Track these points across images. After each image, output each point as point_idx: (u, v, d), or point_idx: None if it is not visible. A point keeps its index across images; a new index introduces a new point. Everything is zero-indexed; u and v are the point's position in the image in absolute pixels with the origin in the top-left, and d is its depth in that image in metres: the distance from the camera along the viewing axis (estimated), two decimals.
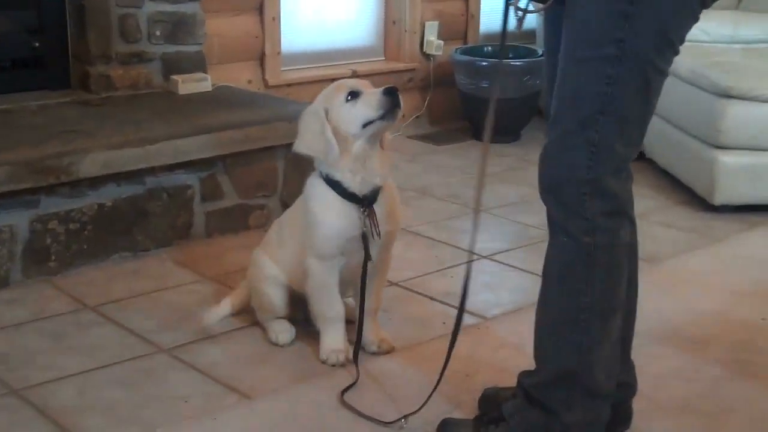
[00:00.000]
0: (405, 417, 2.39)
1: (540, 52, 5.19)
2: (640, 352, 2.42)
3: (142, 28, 4.03)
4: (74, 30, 3.99)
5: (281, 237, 2.84)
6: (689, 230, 3.92)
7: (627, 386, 2.35)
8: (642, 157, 4.54)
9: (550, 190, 2.12)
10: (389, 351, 2.79)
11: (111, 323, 2.97)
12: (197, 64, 4.19)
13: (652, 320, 2.90)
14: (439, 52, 5.35)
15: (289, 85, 4.79)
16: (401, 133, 5.12)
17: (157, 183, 3.46)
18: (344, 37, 5.20)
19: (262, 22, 4.65)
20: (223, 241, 3.64)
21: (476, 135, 5.17)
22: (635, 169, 2.24)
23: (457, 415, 2.42)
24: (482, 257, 3.55)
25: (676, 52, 2.07)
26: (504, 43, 2.29)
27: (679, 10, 2.02)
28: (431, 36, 5.34)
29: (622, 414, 2.35)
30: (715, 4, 2.14)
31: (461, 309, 2.34)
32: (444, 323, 2.98)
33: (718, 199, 4.06)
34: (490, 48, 5.34)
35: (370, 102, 2.57)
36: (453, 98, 5.35)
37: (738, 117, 3.98)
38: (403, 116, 4.38)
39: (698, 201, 4.18)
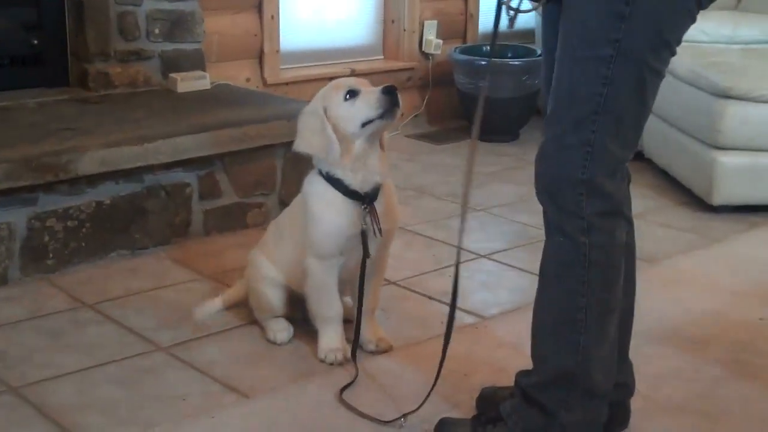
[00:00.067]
0: (404, 416, 2.39)
1: (538, 51, 5.19)
2: (638, 352, 2.42)
3: (141, 26, 4.03)
4: (73, 27, 3.99)
5: (279, 237, 2.84)
6: (688, 230, 3.92)
7: (625, 386, 2.35)
8: (641, 157, 4.54)
9: (546, 190, 2.12)
10: (387, 350, 2.79)
11: (109, 321, 2.96)
12: (196, 62, 4.19)
13: (651, 320, 2.90)
14: (438, 51, 5.35)
15: (287, 84, 4.78)
16: (399, 132, 5.12)
17: (155, 181, 3.46)
18: (343, 35, 5.20)
19: (260, 20, 4.65)
20: (221, 239, 3.64)
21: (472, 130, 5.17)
22: (634, 169, 2.24)
23: (454, 414, 2.42)
24: (480, 256, 3.55)
25: (673, 53, 2.07)
26: (495, 41, 2.29)
27: (675, 10, 2.02)
28: (430, 35, 5.34)
29: (620, 414, 2.35)
30: (713, 5, 2.14)
31: (453, 307, 2.34)
32: (442, 322, 2.94)
33: (717, 200, 4.06)
34: (488, 47, 5.34)
35: (369, 101, 2.57)
36: (452, 97, 5.35)
37: (737, 117, 3.97)
38: (402, 115, 4.39)
39: (697, 201, 4.18)
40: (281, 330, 2.84)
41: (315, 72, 4.92)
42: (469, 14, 5.56)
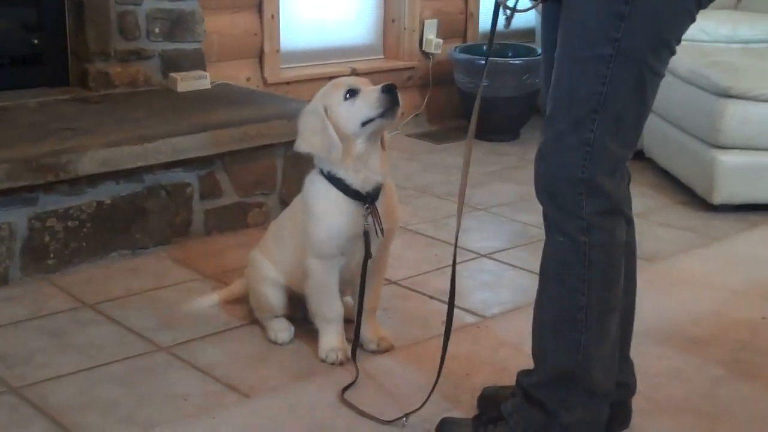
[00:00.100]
0: (406, 415, 2.39)
1: (539, 50, 5.17)
2: (639, 352, 2.42)
3: (141, 26, 4.03)
4: (73, 27, 3.99)
5: (279, 237, 2.84)
6: (689, 230, 3.92)
7: (626, 386, 2.35)
8: (641, 156, 4.54)
9: (545, 189, 2.12)
10: (388, 349, 2.78)
11: (110, 321, 2.96)
12: (196, 61, 4.19)
13: (652, 320, 2.90)
14: (438, 51, 5.35)
15: (288, 83, 4.79)
16: (400, 131, 5.12)
17: (155, 181, 3.46)
18: (343, 35, 5.20)
19: (261, 19, 4.65)
20: (221, 239, 3.64)
21: (476, 134, 5.16)
22: (635, 168, 2.24)
23: (456, 414, 2.42)
24: (481, 256, 3.55)
25: (673, 53, 2.06)
26: (491, 41, 2.30)
27: (675, 10, 2.01)
28: (430, 34, 5.34)
29: (621, 414, 2.35)
30: (713, 4, 2.13)
31: (450, 306, 2.34)
32: (443, 322, 2.94)
33: (718, 199, 4.06)
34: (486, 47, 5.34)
35: (369, 100, 2.56)
36: (452, 97, 5.36)
37: (737, 117, 3.98)
38: (402, 114, 4.39)
39: (698, 200, 4.18)
40: (282, 330, 2.84)
41: (315, 71, 4.92)
42: (470, 13, 5.56)
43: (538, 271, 2.20)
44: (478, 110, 2.30)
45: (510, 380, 2.34)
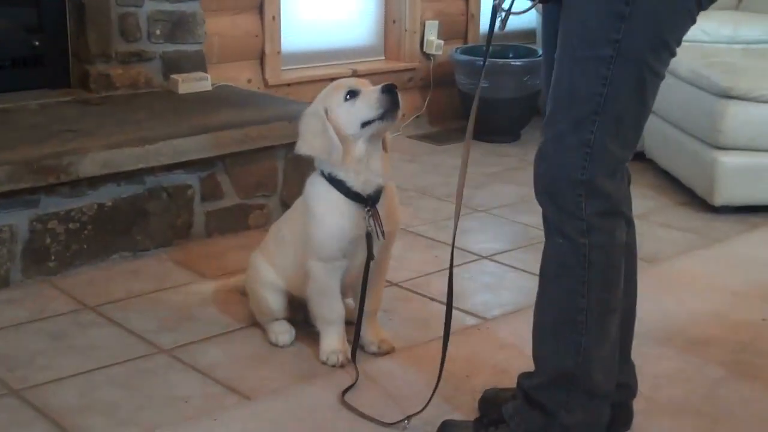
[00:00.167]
0: (408, 418, 2.39)
1: (540, 51, 5.17)
2: (640, 353, 2.42)
3: (142, 27, 4.03)
4: (74, 29, 3.99)
5: (280, 241, 2.83)
6: (689, 231, 3.92)
7: (627, 387, 2.35)
8: (642, 157, 4.54)
9: (545, 190, 2.11)
10: (389, 351, 2.78)
11: (111, 323, 2.96)
12: (197, 63, 4.19)
13: (652, 321, 2.90)
14: (439, 52, 5.35)
15: (288, 85, 4.79)
16: (401, 132, 5.12)
17: (156, 183, 3.46)
18: (344, 36, 5.19)
19: (262, 21, 4.65)
20: (223, 240, 3.64)
21: (476, 135, 5.16)
22: (635, 169, 2.24)
23: (457, 416, 2.42)
24: (482, 257, 3.55)
25: (673, 54, 2.06)
26: (489, 43, 2.31)
27: (675, 11, 2.02)
28: (431, 35, 5.34)
29: (622, 415, 2.35)
30: (715, 5, 2.13)
31: (449, 307, 2.34)
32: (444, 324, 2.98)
33: (718, 200, 4.06)
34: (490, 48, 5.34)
35: (369, 100, 2.56)
36: (453, 98, 5.35)
37: (738, 117, 3.97)
38: (403, 116, 4.39)
39: (698, 201, 4.18)
40: (283, 332, 2.84)
41: (316, 73, 4.92)
42: (470, 14, 5.56)
43: (538, 272, 2.20)
44: (476, 111, 2.31)
45: (511, 382, 2.34)
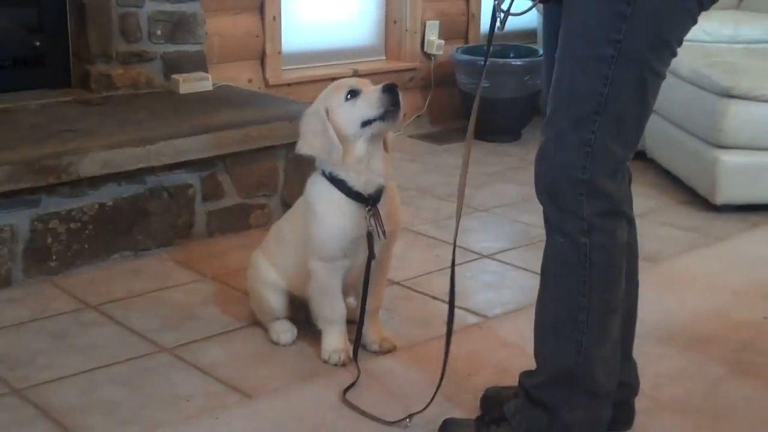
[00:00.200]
0: (410, 416, 2.39)
1: (540, 51, 5.18)
2: (641, 352, 2.42)
3: (143, 28, 4.04)
4: (75, 29, 3.99)
5: (281, 240, 2.83)
6: (691, 230, 3.92)
7: (629, 386, 2.35)
8: (643, 156, 4.54)
9: (545, 190, 2.11)
10: (391, 350, 2.78)
11: (112, 323, 2.96)
12: (198, 63, 4.20)
13: (654, 320, 2.90)
14: (440, 52, 5.35)
15: (289, 85, 4.79)
16: (402, 132, 5.12)
17: (157, 182, 3.46)
18: (345, 36, 5.20)
19: (262, 21, 4.65)
20: (224, 240, 3.64)
21: (477, 134, 5.16)
22: (636, 168, 2.24)
23: (458, 414, 2.42)
24: (483, 256, 3.55)
25: (674, 54, 2.06)
26: (489, 44, 2.30)
27: (676, 11, 2.01)
28: (432, 35, 5.34)
29: (624, 414, 2.35)
30: (715, 4, 2.13)
31: (451, 306, 2.34)
32: (445, 322, 2.97)
33: (720, 199, 4.06)
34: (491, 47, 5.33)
35: (370, 100, 2.56)
36: (454, 98, 5.35)
37: (739, 117, 3.97)
38: (404, 116, 4.39)
39: (699, 200, 4.17)
40: (285, 331, 2.83)
41: (317, 73, 4.92)
42: (471, 14, 5.56)
43: (539, 271, 2.20)
44: (477, 111, 2.30)
45: (512, 381, 2.34)
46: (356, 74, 4.87)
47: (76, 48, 4.01)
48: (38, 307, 3.05)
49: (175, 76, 4.09)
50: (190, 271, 3.36)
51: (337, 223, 2.61)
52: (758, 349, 2.88)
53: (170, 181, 3.50)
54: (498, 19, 2.18)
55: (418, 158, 4.84)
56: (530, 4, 2.14)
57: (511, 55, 5.22)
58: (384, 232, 2.62)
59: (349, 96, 2.59)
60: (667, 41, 2.03)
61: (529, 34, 5.56)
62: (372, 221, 2.60)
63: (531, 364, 2.24)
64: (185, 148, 3.46)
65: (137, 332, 2.90)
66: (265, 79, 4.70)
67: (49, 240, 3.23)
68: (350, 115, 2.58)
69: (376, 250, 2.64)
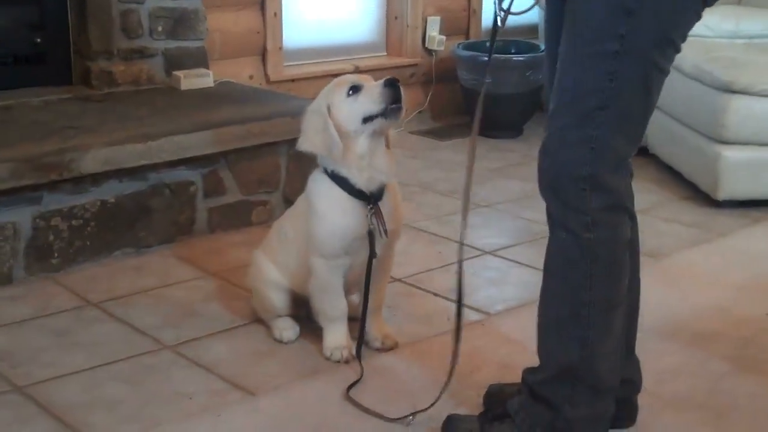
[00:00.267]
0: (413, 414, 2.39)
1: (542, 47, 5.17)
2: (644, 348, 2.41)
3: (144, 24, 4.03)
4: (76, 25, 3.99)
5: (282, 238, 2.83)
6: (692, 225, 3.92)
7: (632, 382, 2.35)
8: (645, 152, 4.54)
9: (549, 186, 2.11)
10: (393, 347, 2.78)
11: (114, 320, 2.96)
12: (199, 59, 4.19)
13: (656, 316, 2.90)
14: (441, 48, 5.34)
15: (291, 81, 4.78)
16: (403, 128, 5.11)
17: (159, 179, 3.46)
18: (346, 32, 5.19)
19: (263, 17, 4.64)
20: (225, 237, 3.64)
21: (479, 131, 5.15)
22: (638, 164, 2.23)
23: (461, 411, 2.42)
24: (486, 253, 3.55)
25: (678, 50, 2.06)
26: (492, 45, 2.31)
27: (681, 7, 2.01)
28: (433, 31, 5.34)
29: (627, 410, 2.35)
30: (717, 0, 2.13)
31: (459, 304, 2.34)
32: (448, 319, 2.97)
33: (722, 194, 4.05)
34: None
35: (372, 95, 2.56)
36: (455, 93, 5.35)
37: (741, 112, 3.97)
38: (406, 111, 4.39)
39: (701, 196, 4.17)
40: (287, 328, 2.83)
41: (318, 69, 4.91)
42: (472, 10, 5.55)
43: (542, 267, 2.20)
44: (481, 110, 2.30)
45: (515, 377, 2.33)
46: (357, 70, 4.86)
47: (78, 45, 4.01)
48: (40, 304, 3.04)
49: (176, 72, 4.08)
50: (191, 268, 3.36)
51: (339, 221, 2.61)
52: (761, 345, 2.88)
53: (172, 178, 3.49)
54: (498, 18, 2.19)
55: (420, 154, 4.84)
56: (531, 2, 2.14)
57: (513, 51, 5.21)
58: (385, 231, 2.61)
59: (350, 92, 2.59)
60: (671, 37, 2.02)
61: (530, 30, 5.55)
62: (373, 219, 2.60)
63: (533, 361, 2.24)
64: (187, 145, 3.45)
65: (139, 329, 2.90)
66: (266, 76, 4.70)
67: (51, 237, 3.23)
68: (352, 111, 2.57)
69: (378, 248, 2.63)
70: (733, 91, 3.97)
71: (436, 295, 3.18)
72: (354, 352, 2.69)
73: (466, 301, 3.03)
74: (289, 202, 3.50)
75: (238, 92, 4.12)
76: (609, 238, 2.09)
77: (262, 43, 4.67)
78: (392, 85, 2.54)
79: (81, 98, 3.87)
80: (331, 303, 2.71)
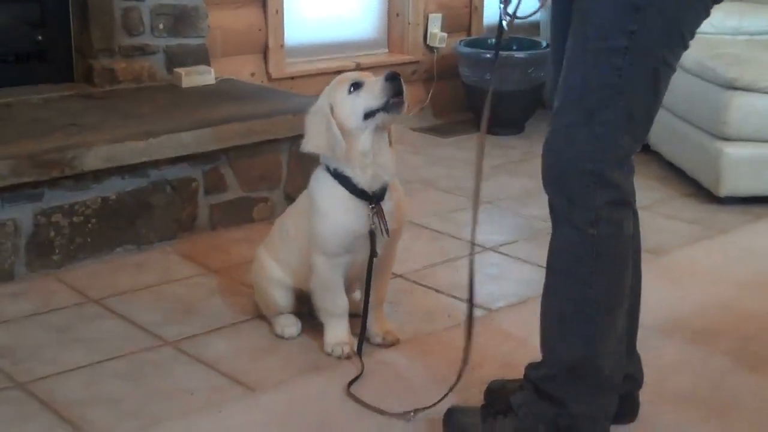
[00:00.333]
0: (415, 411, 2.38)
1: (544, 43, 5.18)
2: (645, 345, 2.41)
3: (145, 21, 4.03)
4: (77, 23, 3.99)
5: (284, 236, 2.82)
6: (694, 222, 3.91)
7: (633, 379, 2.34)
8: (647, 149, 4.53)
9: (554, 181, 2.11)
10: (394, 343, 2.78)
11: (115, 316, 2.96)
12: (200, 57, 4.19)
13: (658, 312, 2.89)
14: (443, 45, 5.34)
15: (292, 78, 4.78)
16: (405, 125, 5.11)
17: (160, 176, 3.46)
18: (348, 29, 5.19)
19: (265, 14, 4.64)
20: (227, 233, 3.64)
21: (480, 127, 5.15)
22: (640, 161, 2.23)
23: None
24: (487, 249, 3.55)
25: (686, 47, 2.06)
26: (498, 50, 2.33)
27: (690, 3, 2.02)
28: (435, 28, 5.33)
29: (628, 406, 2.35)
30: None
31: (470, 304, 2.33)
32: (449, 315, 2.98)
33: (724, 191, 4.05)
34: (493, 40, 5.32)
35: (373, 90, 2.55)
36: (457, 90, 5.34)
37: (743, 108, 3.97)
38: (408, 107, 4.39)
39: (703, 193, 4.17)
40: (289, 325, 2.83)
41: (320, 66, 4.91)
42: (474, 7, 5.55)
43: (543, 264, 2.20)
44: (489, 111, 2.30)
45: (516, 373, 2.33)
46: (359, 67, 4.86)
47: (79, 42, 4.01)
48: (41, 301, 3.05)
49: (177, 69, 4.08)
50: (193, 264, 3.36)
51: (340, 220, 2.61)
52: (763, 341, 2.88)
53: (173, 175, 3.49)
54: (504, 22, 2.18)
55: (422, 151, 4.84)
56: (534, 4, 2.13)
57: (515, 48, 5.20)
58: (387, 231, 2.61)
59: (352, 89, 2.58)
60: (681, 33, 2.02)
61: (532, 27, 5.54)
62: (375, 219, 2.59)
63: (535, 357, 2.24)
64: (188, 142, 3.45)
65: (140, 326, 2.90)
66: (267, 73, 4.70)
67: (52, 234, 3.23)
68: (354, 107, 2.57)
69: (379, 247, 2.63)
70: (736, 88, 3.97)
71: (437, 291, 3.18)
72: (355, 348, 2.68)
73: (467, 297, 3.05)
74: (290, 198, 3.50)
75: (239, 89, 4.12)
76: (613, 234, 2.09)
77: (264, 41, 4.67)
78: (393, 79, 2.54)
79: (82, 96, 3.88)
80: (333, 300, 2.71)
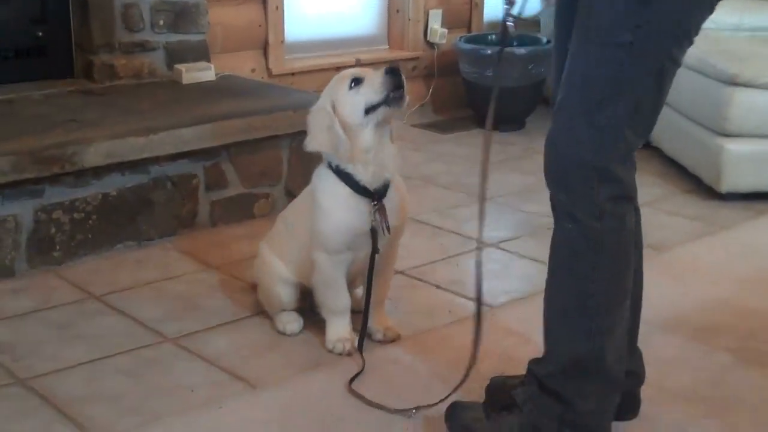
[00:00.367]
0: (417, 408, 2.38)
1: (544, 40, 5.17)
2: (647, 341, 2.41)
3: (145, 18, 4.03)
4: (77, 19, 3.99)
5: (286, 232, 2.82)
6: (696, 218, 3.91)
7: (634, 375, 2.34)
8: (648, 145, 4.52)
9: (557, 175, 2.10)
10: (395, 339, 2.78)
11: (116, 313, 2.96)
12: (201, 53, 4.19)
13: (659, 309, 2.88)
14: (443, 41, 5.34)
15: (292, 74, 4.78)
16: (405, 121, 5.11)
17: (161, 172, 3.46)
18: (348, 25, 5.18)
19: (265, 10, 4.64)
20: (227, 229, 3.64)
21: (480, 123, 5.15)
22: (641, 157, 2.23)
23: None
24: (488, 245, 3.54)
25: (691, 42, 2.06)
26: (501, 51, 2.34)
27: (696, 0, 2.01)
28: (435, 24, 5.33)
29: (630, 402, 2.34)
30: None
31: (478, 304, 2.33)
32: (450, 311, 2.98)
33: (725, 187, 4.05)
34: (494, 36, 5.32)
35: (373, 84, 2.55)
36: (457, 87, 5.34)
37: (744, 105, 3.96)
38: (408, 102, 4.38)
39: (705, 189, 4.16)
40: (291, 321, 2.83)
41: (320, 62, 4.91)
42: (474, 3, 5.54)
43: (545, 260, 2.19)
44: (493, 110, 2.30)
45: (517, 369, 2.33)
46: (359, 64, 4.86)
47: (79, 38, 4.01)
48: (42, 297, 3.04)
49: (177, 65, 4.08)
50: (193, 260, 3.36)
51: (342, 217, 2.60)
52: (764, 337, 2.87)
53: (174, 171, 3.49)
54: (509, 23, 2.18)
55: (422, 147, 4.83)
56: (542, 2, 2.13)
57: (515, 44, 5.19)
58: (388, 228, 2.60)
59: (353, 84, 2.58)
60: (686, 29, 2.02)
61: (532, 23, 5.54)
62: (377, 216, 2.59)
63: (536, 353, 2.24)
64: (188, 138, 3.45)
65: (141, 322, 2.90)
66: (268, 69, 4.69)
67: (53, 230, 3.23)
68: (355, 102, 2.56)
69: (381, 244, 2.63)
70: (737, 84, 3.96)
71: (438, 287, 3.17)
72: (356, 344, 2.68)
73: (469, 293, 3.05)
74: (291, 194, 3.50)
75: (239, 86, 4.12)
76: (616, 228, 2.08)
77: (264, 37, 4.66)
78: (393, 73, 2.53)
79: (83, 92, 3.87)
80: (334, 297, 2.70)
